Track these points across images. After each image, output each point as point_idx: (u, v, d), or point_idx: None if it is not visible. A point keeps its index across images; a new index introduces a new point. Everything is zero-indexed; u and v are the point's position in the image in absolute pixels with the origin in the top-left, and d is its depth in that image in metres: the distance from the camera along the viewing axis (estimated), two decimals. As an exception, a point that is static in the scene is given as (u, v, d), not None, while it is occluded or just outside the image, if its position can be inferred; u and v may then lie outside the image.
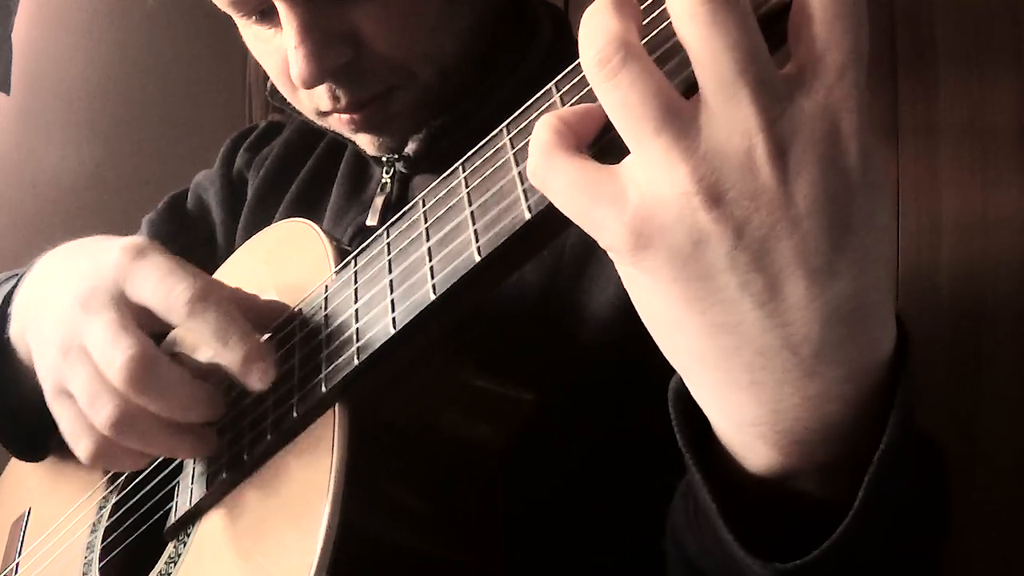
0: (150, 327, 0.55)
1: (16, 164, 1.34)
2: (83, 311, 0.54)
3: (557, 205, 0.37)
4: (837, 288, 0.33)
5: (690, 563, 0.45)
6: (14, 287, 0.70)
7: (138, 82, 1.47)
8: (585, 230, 0.36)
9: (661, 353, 0.37)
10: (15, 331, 0.68)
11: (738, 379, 0.36)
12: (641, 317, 0.38)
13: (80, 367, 0.54)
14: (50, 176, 1.36)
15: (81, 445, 0.56)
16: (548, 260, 0.64)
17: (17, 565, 0.72)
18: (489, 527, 0.54)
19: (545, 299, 0.63)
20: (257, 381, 0.52)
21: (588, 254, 0.63)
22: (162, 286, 0.53)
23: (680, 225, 0.33)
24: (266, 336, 0.57)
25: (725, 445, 0.40)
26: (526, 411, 0.55)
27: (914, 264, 0.96)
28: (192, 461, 0.58)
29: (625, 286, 0.38)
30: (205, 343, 0.53)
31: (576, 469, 0.60)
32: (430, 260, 0.48)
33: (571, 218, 0.36)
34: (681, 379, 0.40)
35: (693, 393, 0.39)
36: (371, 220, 0.72)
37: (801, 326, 0.34)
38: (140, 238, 0.57)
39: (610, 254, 0.36)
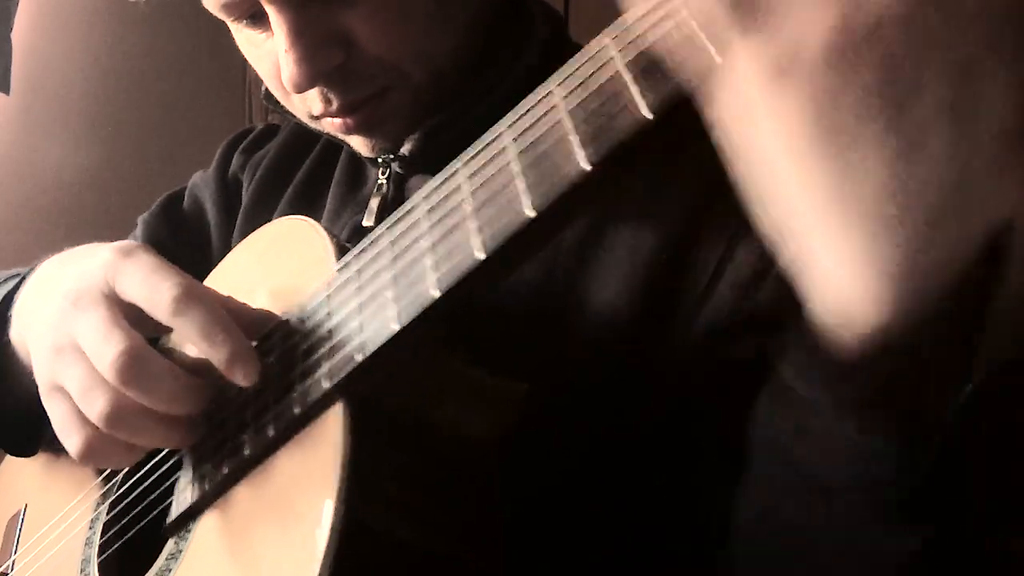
0: (142, 326, 0.55)
1: (16, 164, 1.34)
2: (75, 309, 0.55)
3: None
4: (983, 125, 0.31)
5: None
6: (15, 288, 0.71)
7: (138, 82, 1.47)
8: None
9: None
10: (15, 334, 0.68)
11: (877, 214, 0.34)
12: (767, 167, 0.36)
13: (73, 363, 0.55)
14: (50, 176, 1.36)
15: (72, 441, 0.56)
16: (545, 257, 0.64)
17: (13, 563, 0.71)
18: (488, 521, 0.54)
19: (543, 294, 0.63)
20: (243, 378, 0.53)
21: (585, 250, 0.63)
22: (148, 283, 0.54)
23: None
24: (268, 333, 0.57)
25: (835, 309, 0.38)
26: (524, 403, 0.55)
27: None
28: (192, 457, 0.58)
29: (744, 137, 0.36)
30: (191, 341, 0.53)
31: (575, 464, 0.60)
32: (433, 256, 0.48)
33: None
34: None
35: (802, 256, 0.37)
36: (367, 221, 0.72)
37: (950, 162, 0.32)
38: (130, 241, 0.58)
39: (742, 86, 0.34)
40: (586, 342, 0.62)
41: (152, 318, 0.55)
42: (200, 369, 0.56)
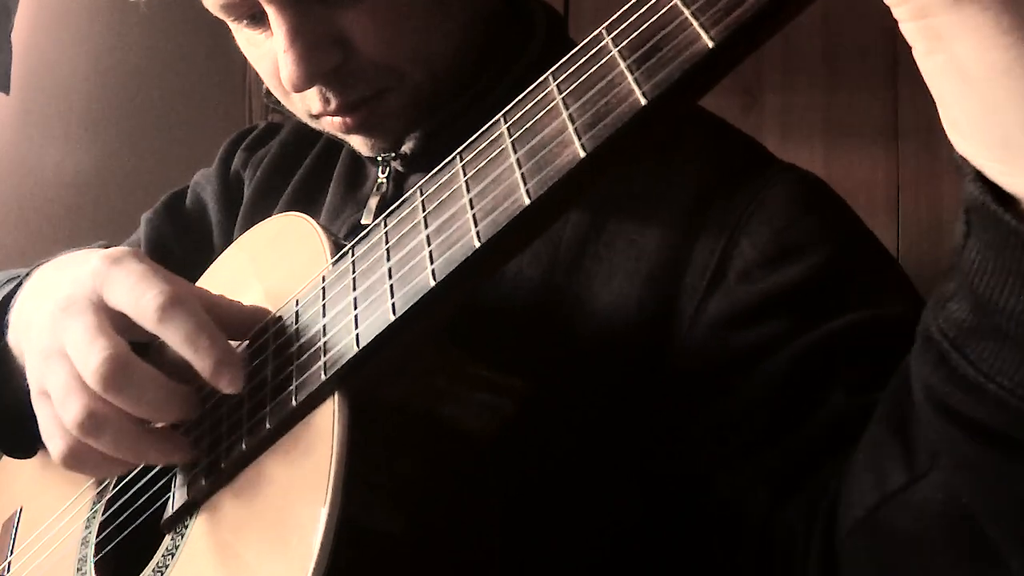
0: (131, 334, 0.56)
1: (16, 164, 1.34)
2: (64, 316, 0.56)
3: None
4: None
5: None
6: (12, 292, 0.71)
7: (138, 82, 1.47)
8: None
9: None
10: (13, 338, 0.69)
11: None
12: (958, 100, 0.35)
13: (58, 368, 0.55)
14: (50, 176, 1.36)
15: (52, 445, 0.57)
16: (544, 255, 0.64)
17: (9, 564, 0.71)
18: (485, 517, 0.53)
19: (545, 291, 0.63)
20: (227, 386, 0.53)
21: (584, 249, 0.63)
22: (134, 292, 0.54)
23: None
24: (262, 328, 0.56)
25: None
26: (523, 399, 0.55)
27: (915, 263, 0.95)
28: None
29: (934, 68, 0.35)
30: (176, 349, 0.53)
31: (574, 462, 0.60)
32: (429, 246, 0.48)
33: None
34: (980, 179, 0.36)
35: (1018, 176, 0.35)
36: (366, 219, 0.72)
37: None
38: (122, 248, 0.58)
39: (919, 24, 0.34)
40: (588, 339, 0.62)
41: (140, 326, 0.55)
42: (188, 377, 0.56)
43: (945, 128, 0.37)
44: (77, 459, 0.56)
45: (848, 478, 0.49)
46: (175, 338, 0.53)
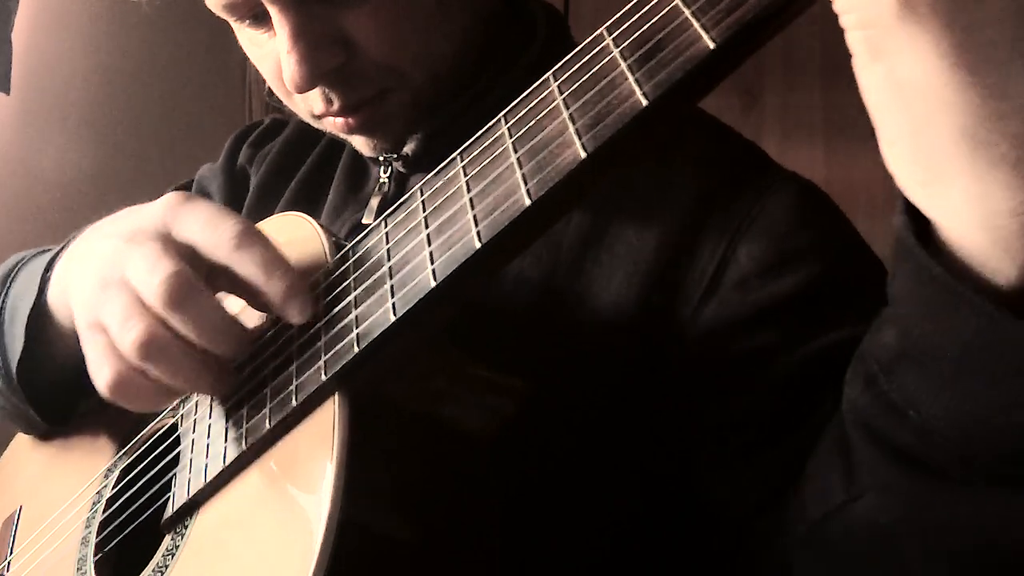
0: (196, 269, 0.54)
1: (16, 163, 1.34)
2: (128, 245, 0.55)
3: None
4: None
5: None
6: (57, 254, 0.70)
7: (138, 82, 1.48)
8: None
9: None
10: (54, 295, 0.68)
11: (1004, 155, 0.34)
12: (890, 111, 0.36)
13: (117, 296, 0.54)
14: (50, 175, 1.36)
15: (103, 373, 0.55)
16: (546, 257, 0.64)
17: (9, 564, 0.71)
18: (484, 517, 0.53)
19: (546, 293, 0.63)
20: (297, 313, 0.52)
21: (587, 250, 0.63)
22: (210, 223, 0.54)
23: None
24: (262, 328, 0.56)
25: (967, 262, 0.37)
26: (523, 399, 0.55)
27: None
28: (190, 453, 0.58)
29: (872, 78, 0.36)
30: (249, 276, 0.53)
31: (574, 462, 0.60)
32: (429, 246, 0.48)
33: None
34: (907, 211, 0.37)
35: (938, 197, 0.36)
36: (367, 219, 0.72)
37: None
38: (186, 192, 0.58)
39: (863, 34, 0.34)
40: (589, 341, 0.62)
41: (207, 262, 0.54)
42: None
43: (880, 145, 0.38)
44: (126, 388, 0.55)
45: (799, 492, 0.51)
46: (251, 264, 0.52)
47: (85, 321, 0.57)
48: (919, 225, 0.38)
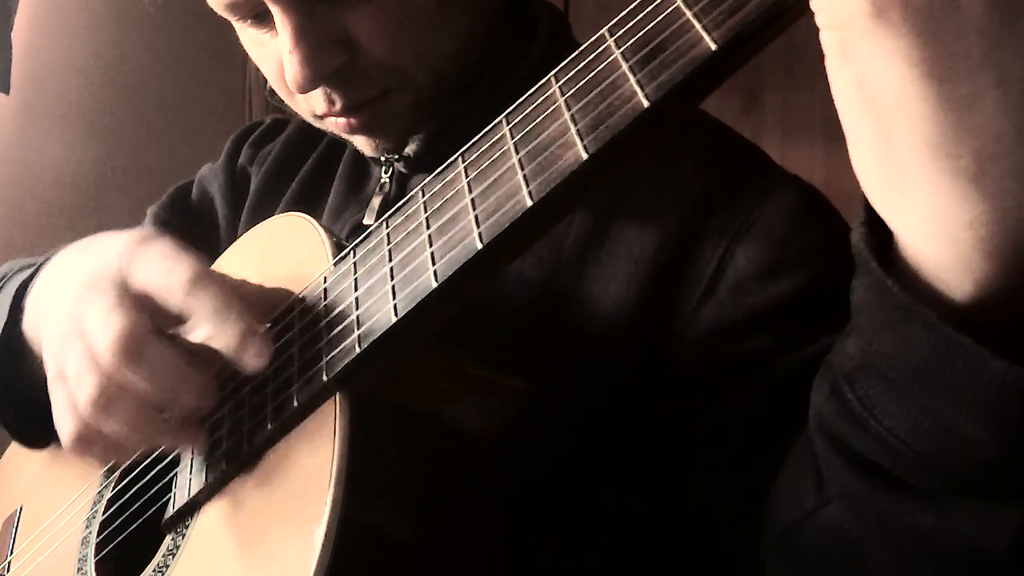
0: (153, 318, 0.54)
1: (16, 163, 1.34)
2: (85, 295, 0.54)
3: None
4: None
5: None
6: (30, 278, 0.70)
7: (138, 82, 1.48)
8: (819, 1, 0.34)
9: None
10: (29, 325, 0.68)
11: (966, 169, 0.33)
12: (857, 115, 0.36)
13: (75, 346, 0.54)
14: (50, 175, 1.36)
15: (64, 428, 0.55)
16: (547, 257, 0.64)
17: (9, 564, 0.71)
18: (485, 517, 0.53)
19: (545, 295, 0.64)
20: (253, 358, 0.51)
21: (588, 252, 0.63)
22: (163, 267, 0.53)
23: None
24: (265, 326, 0.56)
25: (925, 275, 0.37)
26: (524, 399, 0.55)
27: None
28: (191, 452, 0.58)
29: (841, 81, 0.35)
30: (202, 322, 0.52)
31: (574, 462, 0.60)
32: (431, 247, 0.48)
33: None
34: (867, 224, 0.38)
35: (899, 205, 0.36)
36: (368, 219, 0.72)
37: None
38: (147, 230, 0.57)
39: (836, 35, 0.34)
40: (589, 341, 0.62)
41: (163, 308, 0.54)
42: (203, 363, 0.55)
43: (849, 149, 0.38)
44: (86, 443, 0.54)
45: (776, 495, 0.51)
46: (203, 311, 0.52)
47: (53, 371, 0.57)
48: (881, 238, 0.38)
